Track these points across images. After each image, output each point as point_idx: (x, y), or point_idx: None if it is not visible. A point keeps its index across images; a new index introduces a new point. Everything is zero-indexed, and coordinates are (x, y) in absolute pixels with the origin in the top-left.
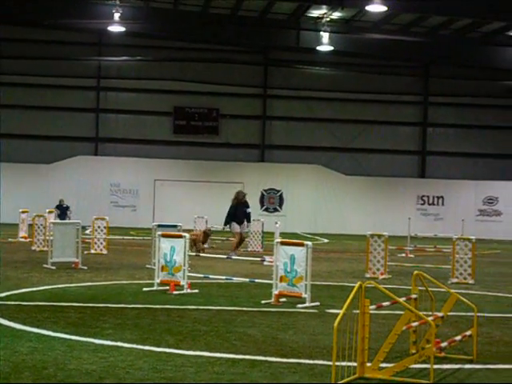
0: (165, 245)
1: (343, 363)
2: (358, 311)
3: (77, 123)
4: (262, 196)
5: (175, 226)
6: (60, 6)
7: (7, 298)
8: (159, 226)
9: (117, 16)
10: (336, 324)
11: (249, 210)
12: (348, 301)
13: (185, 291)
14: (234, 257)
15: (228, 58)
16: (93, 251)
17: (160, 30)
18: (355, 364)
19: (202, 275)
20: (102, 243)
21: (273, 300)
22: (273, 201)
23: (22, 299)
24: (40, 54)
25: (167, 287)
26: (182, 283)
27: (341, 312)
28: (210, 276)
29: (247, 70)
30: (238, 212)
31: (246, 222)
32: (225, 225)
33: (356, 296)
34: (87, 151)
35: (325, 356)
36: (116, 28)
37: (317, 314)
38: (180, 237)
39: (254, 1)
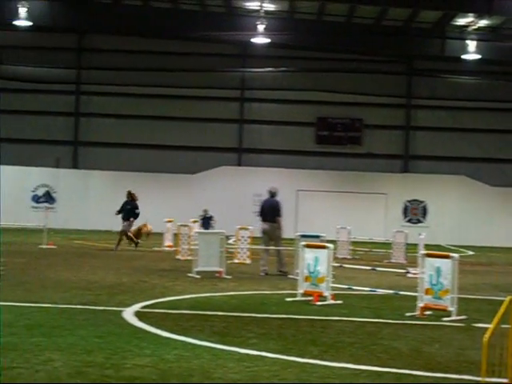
0: (308, 255)
1: (493, 379)
2: (507, 326)
3: (221, 134)
4: (406, 207)
5: (318, 237)
6: (206, 20)
7: (154, 305)
8: (302, 236)
9: (261, 28)
10: (486, 338)
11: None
12: (498, 315)
13: (328, 302)
14: None
15: (371, 68)
16: (236, 261)
17: (304, 40)
18: (505, 380)
19: (345, 286)
20: (245, 253)
21: (418, 313)
22: (416, 212)
23: (167, 307)
24: (180, 66)
25: (310, 298)
26: (325, 294)
27: (491, 326)
28: (354, 287)
29: (390, 79)
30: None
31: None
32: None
33: (506, 311)
34: (231, 161)
35: (473, 371)
36: (260, 40)
37: (463, 327)
38: (324, 247)
39: (398, 10)
